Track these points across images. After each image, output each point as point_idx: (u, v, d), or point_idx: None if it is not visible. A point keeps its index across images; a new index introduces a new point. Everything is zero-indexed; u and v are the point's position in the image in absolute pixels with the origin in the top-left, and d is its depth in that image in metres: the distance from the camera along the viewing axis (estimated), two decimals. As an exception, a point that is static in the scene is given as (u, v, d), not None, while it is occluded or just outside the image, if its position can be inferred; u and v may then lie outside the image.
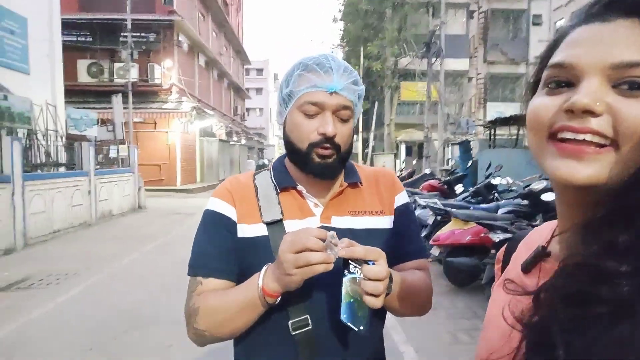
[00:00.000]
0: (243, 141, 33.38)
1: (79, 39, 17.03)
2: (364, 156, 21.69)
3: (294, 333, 0.87)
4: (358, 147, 21.69)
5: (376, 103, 21.91)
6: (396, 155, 20.79)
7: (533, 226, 1.85)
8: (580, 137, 0.44)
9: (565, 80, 0.46)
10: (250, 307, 0.84)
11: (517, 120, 10.10)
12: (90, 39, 17.16)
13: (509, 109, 15.33)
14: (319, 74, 0.89)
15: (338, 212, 0.97)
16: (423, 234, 5.90)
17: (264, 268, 0.84)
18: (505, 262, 0.68)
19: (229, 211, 0.95)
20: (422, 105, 18.73)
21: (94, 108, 14.51)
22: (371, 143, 21.83)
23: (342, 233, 0.91)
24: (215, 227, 0.95)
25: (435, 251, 4.99)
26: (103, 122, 14.49)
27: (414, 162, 18.84)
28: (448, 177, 8.57)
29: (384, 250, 0.94)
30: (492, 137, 11.78)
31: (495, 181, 6.31)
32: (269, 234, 0.92)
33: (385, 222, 1.01)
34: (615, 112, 0.42)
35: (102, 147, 11.71)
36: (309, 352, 0.88)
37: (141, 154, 14.36)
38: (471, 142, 12.46)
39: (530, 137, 0.50)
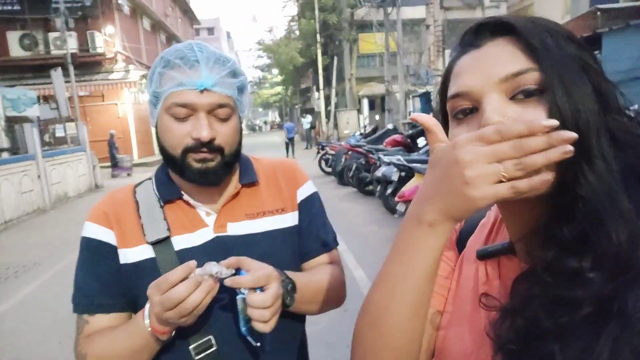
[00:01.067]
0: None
1: (5, 7, 15.42)
2: (327, 114, 21.46)
3: (197, 358, 0.79)
4: (321, 104, 21.43)
5: (335, 58, 21.43)
6: (359, 111, 20.69)
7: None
8: None
9: (469, 107, 0.50)
10: (142, 350, 0.75)
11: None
12: (19, 8, 15.55)
13: (467, 56, 15.35)
14: (183, 70, 0.78)
15: (233, 218, 0.89)
16: (389, 191, 5.96)
17: (147, 305, 0.74)
18: (463, 236, 0.66)
19: (107, 236, 0.84)
20: (381, 57, 18.47)
21: (32, 85, 13.46)
22: (333, 100, 21.55)
23: (240, 240, 0.87)
24: (94, 256, 0.84)
25: (401, 207, 5.10)
26: (45, 99, 13.50)
27: (377, 117, 18.83)
28: (410, 131, 8.60)
29: (290, 251, 0.92)
30: (451, 86, 11.80)
31: (456, 132, 6.36)
32: (155, 256, 0.82)
33: (287, 219, 0.93)
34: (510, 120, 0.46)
35: (47, 127, 10.96)
36: None
37: (92, 130, 13.60)
38: (431, 93, 12.48)
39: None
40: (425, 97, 11.80)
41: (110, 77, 16.34)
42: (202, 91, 0.77)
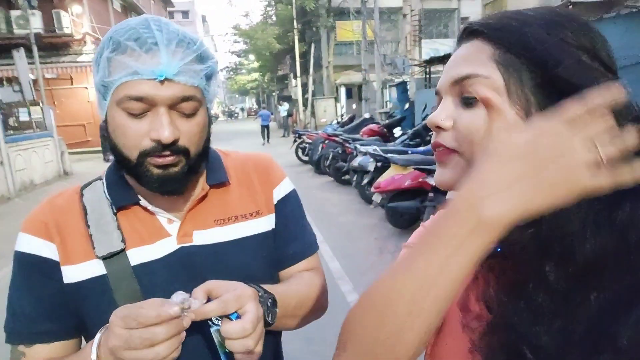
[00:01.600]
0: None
1: (-38, -18, 14.50)
2: (304, 102, 21.30)
3: None
4: (298, 92, 21.24)
5: (313, 45, 21.22)
6: (336, 99, 20.63)
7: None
8: (437, 148, 0.52)
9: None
10: None
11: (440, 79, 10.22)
12: (-23, -18, 14.67)
13: (443, 47, 15.48)
14: (138, 55, 0.62)
15: (200, 225, 0.76)
16: (365, 181, 5.99)
17: (98, 335, 0.61)
18: None
19: (47, 250, 0.70)
20: (359, 45, 18.39)
21: (-7, 65, 12.77)
22: (310, 87, 21.38)
23: (208, 251, 0.75)
24: (31, 275, 0.70)
25: (377, 198, 5.12)
26: (8, 80, 12.85)
27: (354, 105, 18.83)
28: (387, 121, 8.64)
29: (266, 258, 0.81)
30: (427, 77, 11.90)
31: (431, 123, 6.44)
32: (107, 272, 0.69)
33: (263, 223, 0.82)
34: (456, 125, 0.49)
35: (11, 111, 10.43)
36: None
37: (60, 114, 13.08)
38: (408, 83, 12.54)
39: None
40: (402, 87, 11.85)
41: (78, 59, 15.66)
42: (162, 81, 0.62)
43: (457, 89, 0.48)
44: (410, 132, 6.94)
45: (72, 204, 0.75)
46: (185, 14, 48.07)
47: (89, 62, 15.63)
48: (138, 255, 0.72)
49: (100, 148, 13.66)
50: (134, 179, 0.72)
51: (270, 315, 0.66)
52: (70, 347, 0.72)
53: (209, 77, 0.70)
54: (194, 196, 0.77)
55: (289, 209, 0.86)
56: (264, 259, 0.81)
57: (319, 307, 0.84)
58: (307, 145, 10.37)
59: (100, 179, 0.79)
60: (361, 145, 6.61)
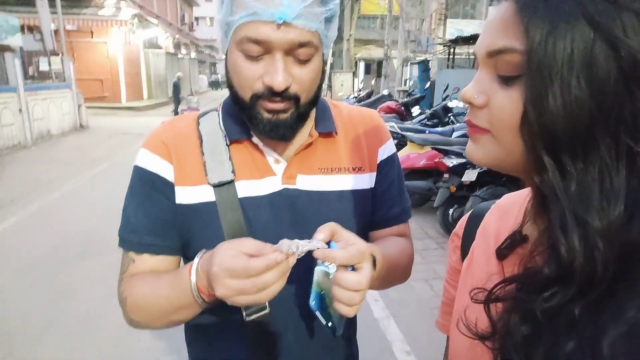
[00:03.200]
0: (193, 54, 31.14)
1: None
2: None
3: (248, 319, 0.72)
4: (316, 63, 20.90)
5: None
6: (354, 74, 20.33)
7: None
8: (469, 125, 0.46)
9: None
10: (186, 307, 0.66)
11: (477, 40, 9.94)
12: None
13: (469, 27, 15.04)
14: None
15: (305, 170, 0.77)
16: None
17: (197, 259, 0.64)
18: (467, 237, 0.62)
19: (164, 170, 0.74)
20: (382, 19, 17.96)
21: (15, 12, 12.69)
22: (329, 60, 21.05)
23: (309, 196, 0.76)
24: (147, 190, 0.74)
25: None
26: (30, 29, 12.83)
27: (373, 81, 18.54)
28: (406, 99, 8.51)
29: (362, 215, 0.81)
30: (451, 57, 11.63)
31: (451, 104, 6.33)
32: (216, 200, 0.73)
33: (364, 181, 0.82)
34: (490, 104, 0.43)
35: (31, 60, 10.47)
36: (264, 339, 0.75)
37: (79, 67, 13.09)
38: (430, 62, 12.27)
39: None
40: (424, 65, 11.59)
41: (99, 12, 15.54)
42: (280, 25, 0.61)
43: (492, 62, 0.42)
44: (428, 112, 6.83)
45: (190, 130, 0.78)
46: (207, -26, 47.03)
47: (110, 16, 15.52)
48: (245, 188, 0.74)
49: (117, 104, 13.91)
50: (246, 120, 0.73)
51: None
52: (173, 263, 0.77)
53: (328, 20, 0.68)
54: (301, 141, 0.77)
55: (391, 172, 0.85)
56: (359, 216, 0.81)
57: (405, 274, 0.85)
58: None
59: (215, 110, 0.81)
60: (378, 121, 6.54)
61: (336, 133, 0.81)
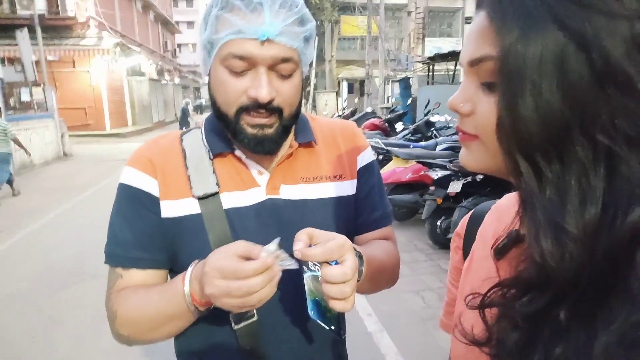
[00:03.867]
0: (176, 80, 31.26)
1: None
2: (306, 94, 21.27)
3: (236, 327, 0.74)
4: (299, 85, 21.14)
5: (316, 38, 21.13)
6: (338, 93, 20.62)
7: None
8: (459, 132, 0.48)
9: None
10: (178, 317, 0.67)
11: (454, 56, 10.31)
12: (-19, -39, 14.54)
13: (446, 45, 15.49)
14: (244, 14, 0.66)
15: (288, 180, 0.80)
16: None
17: (190, 268, 0.66)
18: (468, 236, 0.63)
19: (149, 185, 0.75)
20: (362, 40, 18.38)
21: (-5, 44, 12.71)
22: (313, 81, 21.35)
23: (293, 205, 0.79)
24: (133, 206, 0.75)
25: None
26: (10, 60, 12.78)
27: (356, 100, 18.82)
28: (389, 116, 8.66)
29: (345, 221, 0.83)
30: (430, 74, 11.93)
31: (433, 118, 6.46)
32: (202, 211, 0.74)
33: (346, 187, 0.84)
34: (476, 111, 0.44)
35: (12, 91, 10.40)
36: (255, 350, 0.76)
37: (61, 97, 13.03)
38: (410, 79, 12.55)
39: None
40: (404, 83, 11.86)
41: (81, 42, 15.58)
42: (263, 42, 0.65)
43: (474, 70, 0.43)
44: (411, 127, 6.95)
45: (174, 146, 0.80)
46: (189, 2, 47.75)
47: (92, 45, 15.56)
48: (230, 200, 0.76)
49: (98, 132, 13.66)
50: (230, 136, 0.76)
51: (358, 271, 0.66)
52: (161, 277, 0.77)
53: (307, 40, 0.72)
54: (283, 152, 0.80)
55: (371, 177, 0.88)
56: (343, 222, 0.83)
57: (392, 276, 0.86)
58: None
59: (197, 128, 0.84)
60: (363, 138, 6.62)
61: (316, 142, 0.83)
